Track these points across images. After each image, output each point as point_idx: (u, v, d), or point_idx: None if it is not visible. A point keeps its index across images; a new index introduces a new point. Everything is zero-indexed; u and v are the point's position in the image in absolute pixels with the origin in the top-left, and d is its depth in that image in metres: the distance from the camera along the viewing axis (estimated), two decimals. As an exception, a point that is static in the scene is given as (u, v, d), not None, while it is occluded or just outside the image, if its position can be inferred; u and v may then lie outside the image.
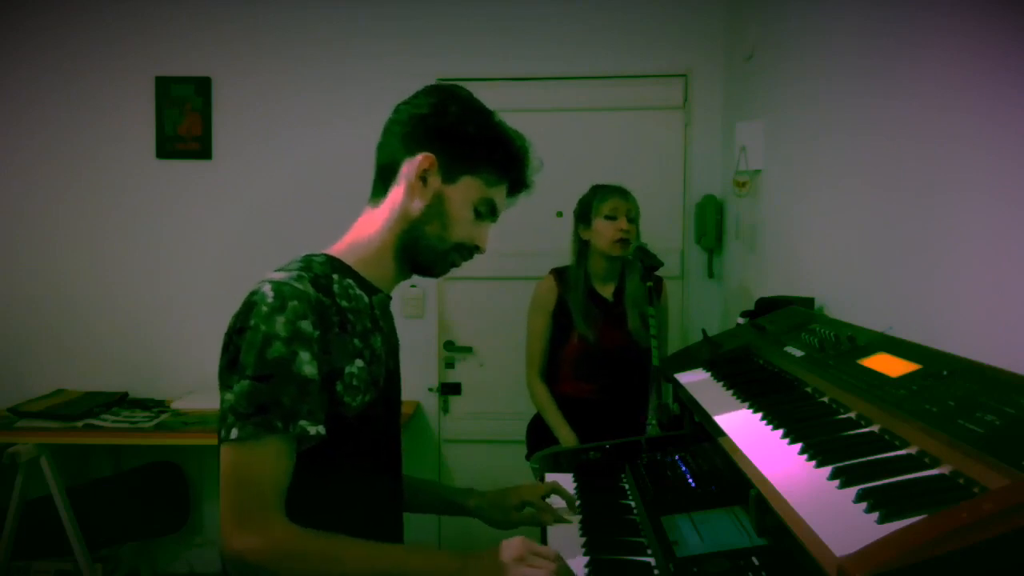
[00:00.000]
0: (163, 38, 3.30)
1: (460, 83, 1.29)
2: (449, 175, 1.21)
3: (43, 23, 3.31)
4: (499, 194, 1.26)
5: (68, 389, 3.26)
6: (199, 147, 3.30)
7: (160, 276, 3.34)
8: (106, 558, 3.17)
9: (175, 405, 3.09)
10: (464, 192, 1.22)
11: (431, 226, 1.21)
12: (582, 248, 2.54)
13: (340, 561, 1.04)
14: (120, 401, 3.14)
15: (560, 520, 1.44)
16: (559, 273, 2.60)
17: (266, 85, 3.29)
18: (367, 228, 1.24)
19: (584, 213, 2.52)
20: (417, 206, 1.20)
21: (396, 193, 1.22)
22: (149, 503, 3.17)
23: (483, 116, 1.24)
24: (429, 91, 1.25)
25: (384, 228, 1.23)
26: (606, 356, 2.50)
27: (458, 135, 1.20)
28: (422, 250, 1.23)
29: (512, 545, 1.11)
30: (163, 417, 2.97)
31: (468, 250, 1.26)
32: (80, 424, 2.88)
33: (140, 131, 3.30)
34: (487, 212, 1.25)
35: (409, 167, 1.20)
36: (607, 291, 2.56)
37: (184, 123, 3.29)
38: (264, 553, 1.00)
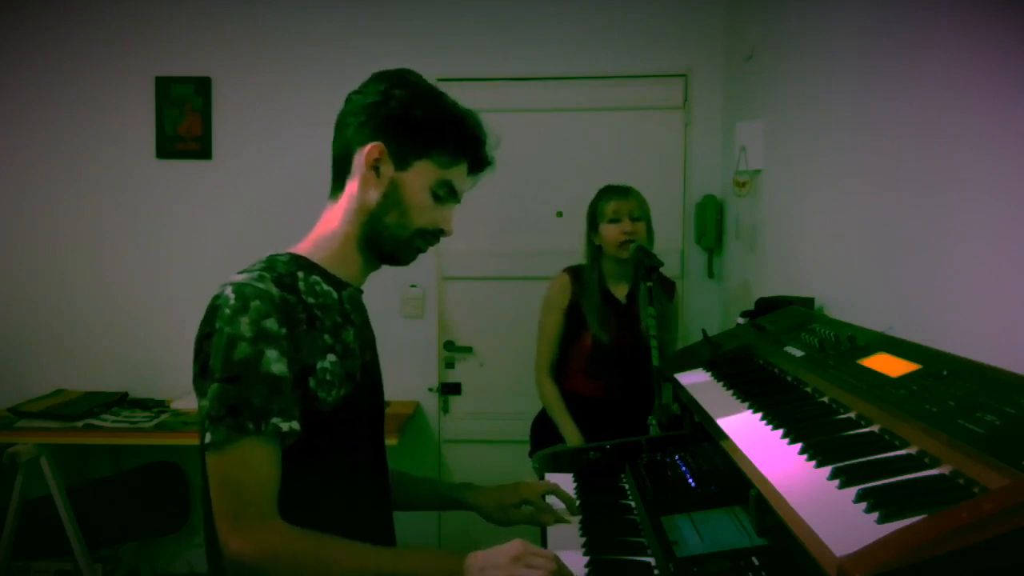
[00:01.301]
0: (163, 38, 3.30)
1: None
2: (401, 161, 1.19)
3: (43, 23, 3.31)
4: (458, 175, 1.24)
5: (68, 389, 3.26)
6: (199, 147, 3.30)
7: (160, 276, 3.34)
8: (106, 558, 3.17)
9: (175, 405, 3.10)
10: (419, 177, 1.20)
11: (390, 215, 1.20)
12: (595, 252, 2.54)
13: (335, 562, 1.04)
14: (120, 401, 3.14)
15: (560, 520, 1.44)
16: (574, 272, 2.58)
17: (266, 85, 3.29)
18: (329, 224, 1.24)
19: (591, 218, 2.53)
20: (373, 196, 1.19)
21: (352, 185, 1.21)
22: (149, 503, 3.17)
23: (430, 98, 1.22)
24: (378, 78, 1.23)
25: (345, 221, 1.22)
26: (618, 355, 2.49)
27: (405, 120, 1.19)
28: (385, 240, 1.22)
29: (510, 545, 1.11)
30: (163, 417, 2.97)
31: (432, 234, 1.25)
32: (80, 424, 2.88)
33: (140, 131, 3.30)
34: (447, 195, 1.23)
35: (360, 158, 1.19)
36: (620, 292, 2.56)
37: (184, 123, 3.29)
38: (255, 555, 1.01)
